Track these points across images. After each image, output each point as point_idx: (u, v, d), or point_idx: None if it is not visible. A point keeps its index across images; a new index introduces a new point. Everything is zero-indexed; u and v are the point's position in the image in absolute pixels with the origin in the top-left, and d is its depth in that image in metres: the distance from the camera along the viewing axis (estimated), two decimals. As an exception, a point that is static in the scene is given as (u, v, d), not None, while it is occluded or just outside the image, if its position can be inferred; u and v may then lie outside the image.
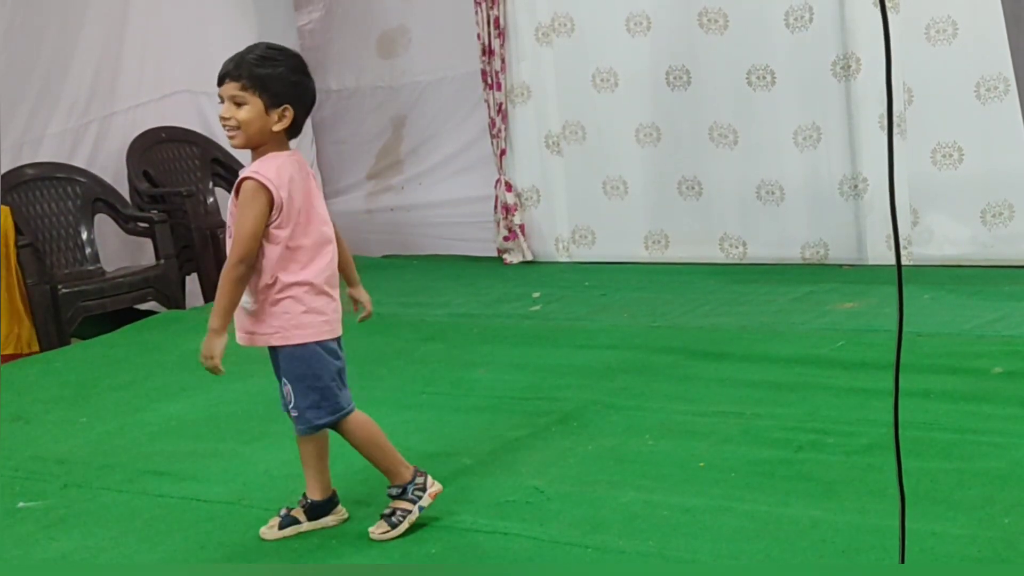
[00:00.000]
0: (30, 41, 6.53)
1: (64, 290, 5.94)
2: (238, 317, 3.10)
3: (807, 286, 5.49)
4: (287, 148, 3.11)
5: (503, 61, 6.51)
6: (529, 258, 6.68)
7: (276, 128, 3.03)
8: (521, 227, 6.66)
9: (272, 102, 3.01)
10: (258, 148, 3.07)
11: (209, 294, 6.63)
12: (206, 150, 6.95)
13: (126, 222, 6.52)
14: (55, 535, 3.40)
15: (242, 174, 3.05)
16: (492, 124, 6.61)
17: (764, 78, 5.91)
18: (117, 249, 6.68)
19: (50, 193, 6.35)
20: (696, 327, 4.98)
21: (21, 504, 3.67)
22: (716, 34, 5.98)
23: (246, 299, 3.07)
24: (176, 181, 6.77)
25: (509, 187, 6.64)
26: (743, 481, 3.26)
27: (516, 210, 6.64)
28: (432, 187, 7.20)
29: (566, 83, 6.46)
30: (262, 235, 3.01)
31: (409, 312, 5.81)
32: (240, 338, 3.14)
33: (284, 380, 3.12)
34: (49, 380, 5.15)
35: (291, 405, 3.12)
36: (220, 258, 6.62)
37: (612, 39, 6.26)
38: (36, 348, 5.91)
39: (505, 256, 6.71)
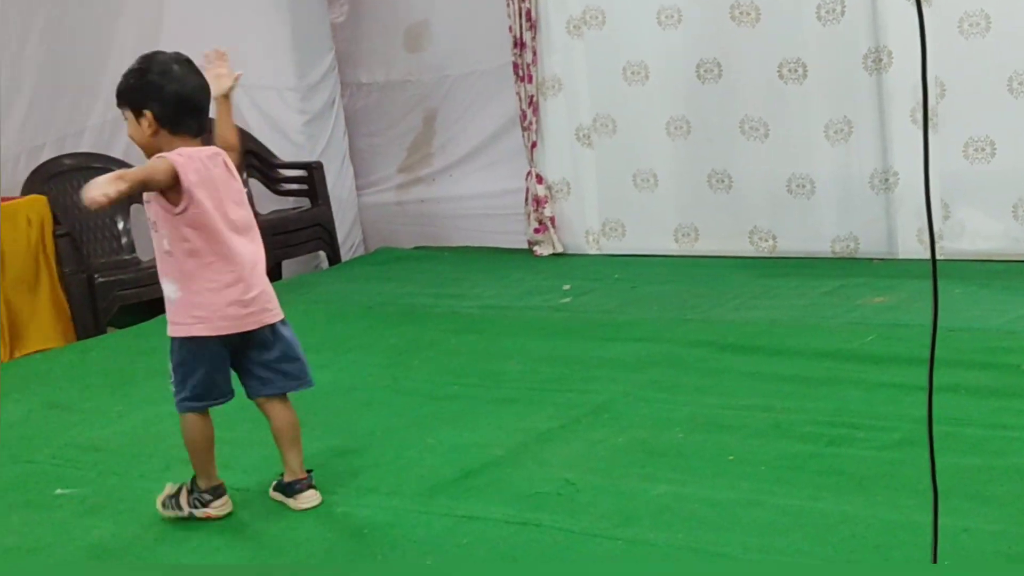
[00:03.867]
0: (69, 35, 6.60)
1: (100, 279, 6.00)
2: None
3: (837, 280, 5.48)
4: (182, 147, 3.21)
5: (534, 54, 6.53)
6: (559, 250, 6.69)
7: (148, 133, 3.20)
8: (551, 219, 6.67)
9: (136, 111, 3.20)
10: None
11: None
12: (240, 141, 6.98)
13: (161, 212, 6.56)
14: (92, 522, 3.46)
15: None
16: (523, 116, 6.62)
17: (796, 71, 5.90)
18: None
19: (86, 183, 6.40)
20: (726, 320, 4.99)
21: (58, 491, 3.73)
22: (748, 27, 5.97)
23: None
24: (211, 172, 6.80)
25: (540, 179, 6.65)
26: (773, 475, 3.27)
27: (546, 202, 6.65)
28: (463, 179, 7.22)
29: (597, 76, 6.46)
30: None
31: (440, 303, 5.84)
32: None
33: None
34: (85, 369, 5.21)
35: None
36: (252, 248, 6.66)
37: (643, 32, 6.25)
38: (72, 337, 5.97)
39: (535, 248, 6.73)
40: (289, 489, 3.41)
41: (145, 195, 3.22)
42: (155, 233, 3.25)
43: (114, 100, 3.28)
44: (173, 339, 3.31)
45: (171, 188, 3.13)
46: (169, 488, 3.43)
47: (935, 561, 1.89)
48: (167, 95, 3.18)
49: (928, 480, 2.01)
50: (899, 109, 5.64)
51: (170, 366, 3.34)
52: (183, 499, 3.37)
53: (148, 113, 3.18)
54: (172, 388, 3.36)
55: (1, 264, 5.66)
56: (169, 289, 3.27)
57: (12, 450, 4.18)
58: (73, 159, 6.46)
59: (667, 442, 3.62)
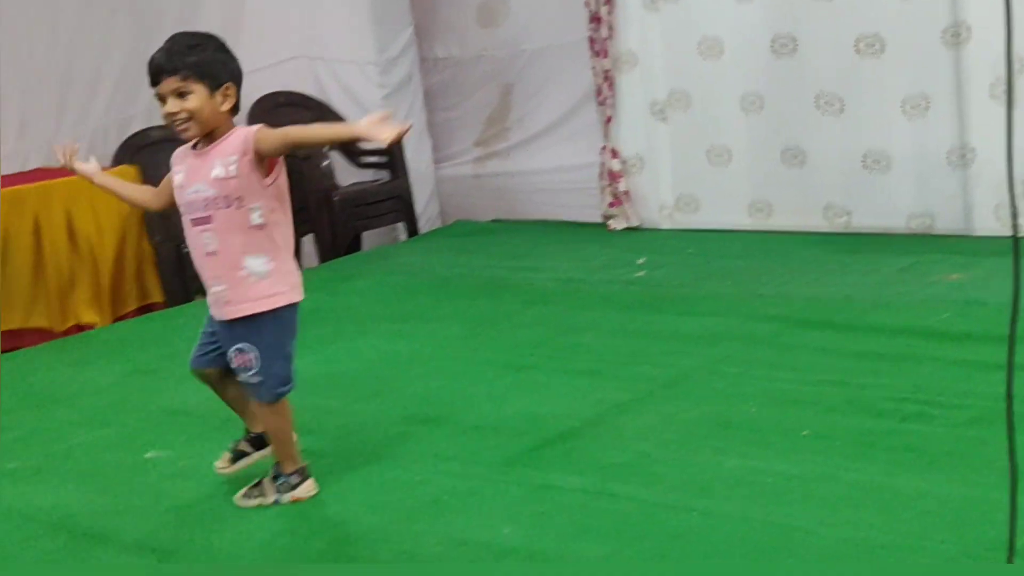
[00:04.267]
0: (157, 8, 6.73)
1: (187, 249, 6.13)
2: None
3: (912, 256, 5.46)
4: (233, 126, 3.21)
5: (611, 28, 6.54)
6: (634, 224, 6.72)
7: (224, 108, 3.16)
8: (626, 193, 6.70)
9: (214, 84, 3.14)
10: (211, 133, 3.18)
11: (325, 254, 6.81)
12: (321, 115, 7.09)
13: (244, 184, 6.70)
14: (181, 485, 3.56)
15: (243, 131, 3.17)
16: (599, 91, 6.65)
17: (872, 45, 5.86)
18: (235, 210, 6.88)
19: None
20: (800, 296, 5.00)
21: (149, 454, 3.84)
22: (824, 0, 5.94)
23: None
24: (292, 145, 6.92)
25: (615, 154, 6.68)
26: (847, 450, 3.29)
27: (621, 177, 6.68)
28: (538, 153, 7.26)
29: (672, 50, 6.46)
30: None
31: (516, 276, 5.90)
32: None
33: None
34: (174, 335, 5.32)
35: None
36: (335, 219, 6.79)
37: (718, 6, 6.24)
38: (161, 305, 6.13)
39: (610, 222, 6.76)
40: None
41: (227, 170, 3.14)
42: (236, 211, 3.16)
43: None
44: (262, 317, 3.19)
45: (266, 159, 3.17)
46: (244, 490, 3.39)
47: (1011, 560, 1.91)
48: (238, 72, 3.23)
49: (1005, 458, 2.03)
50: (977, 84, 5.59)
51: (252, 355, 3.21)
52: (267, 487, 3.34)
53: (233, 87, 3.17)
54: (255, 379, 3.24)
55: (98, 234, 5.84)
56: (257, 263, 3.18)
57: (104, 414, 4.32)
58: (162, 131, 6.54)
59: (741, 416, 3.65)
